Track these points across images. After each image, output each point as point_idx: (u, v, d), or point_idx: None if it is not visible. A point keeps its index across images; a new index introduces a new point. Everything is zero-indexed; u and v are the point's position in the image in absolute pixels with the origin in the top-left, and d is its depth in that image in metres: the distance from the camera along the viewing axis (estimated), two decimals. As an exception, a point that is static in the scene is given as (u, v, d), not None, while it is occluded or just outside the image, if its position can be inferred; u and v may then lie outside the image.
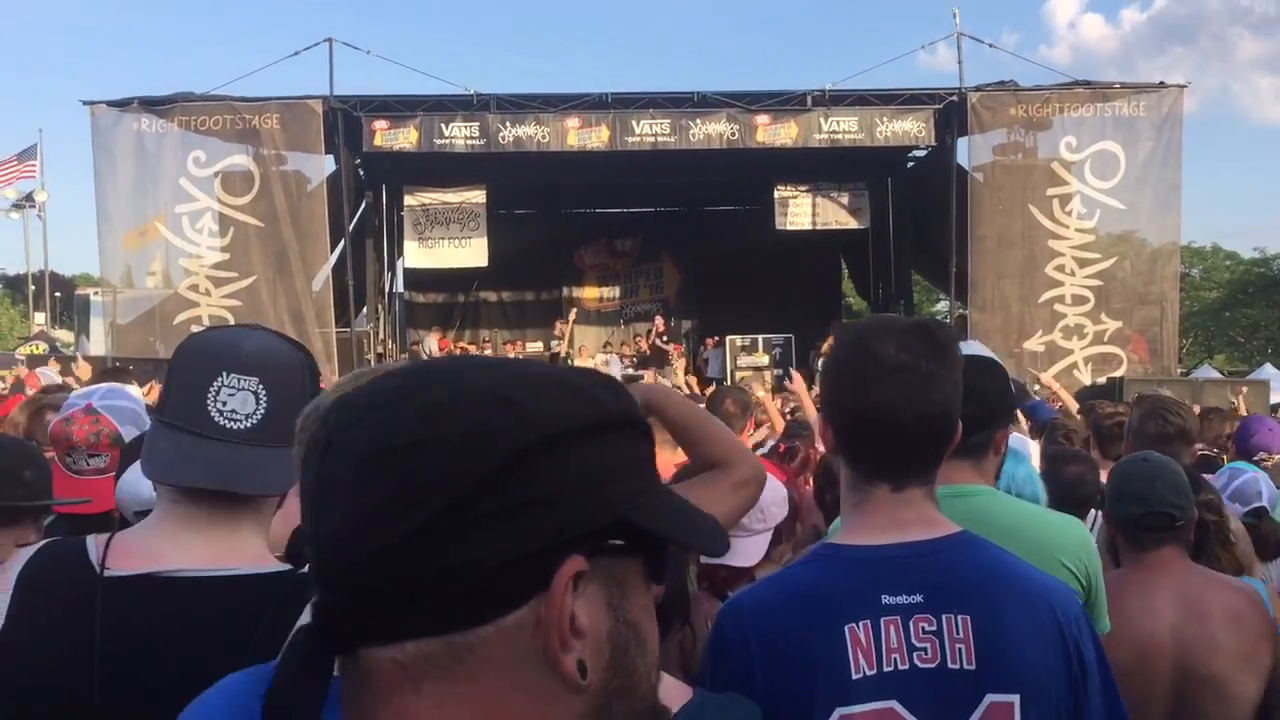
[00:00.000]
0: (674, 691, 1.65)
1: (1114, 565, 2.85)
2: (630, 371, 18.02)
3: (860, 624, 1.62)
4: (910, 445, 1.71)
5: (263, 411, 1.57)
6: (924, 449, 1.73)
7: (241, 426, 1.55)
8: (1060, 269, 16.90)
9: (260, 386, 1.57)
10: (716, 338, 20.29)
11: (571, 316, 20.90)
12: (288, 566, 1.62)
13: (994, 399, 2.35)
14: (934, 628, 1.64)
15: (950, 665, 1.63)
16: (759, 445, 5.34)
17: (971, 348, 2.71)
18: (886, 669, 1.62)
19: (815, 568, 1.73)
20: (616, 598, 0.76)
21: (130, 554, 1.56)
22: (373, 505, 0.71)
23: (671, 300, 23.33)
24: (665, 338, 19.90)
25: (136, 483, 2.37)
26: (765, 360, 19.35)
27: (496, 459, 0.71)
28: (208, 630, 1.42)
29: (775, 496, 2.91)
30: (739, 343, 19.74)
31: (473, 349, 20.66)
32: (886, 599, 1.64)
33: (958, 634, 1.64)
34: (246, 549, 1.59)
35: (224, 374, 1.56)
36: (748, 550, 2.86)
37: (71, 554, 1.57)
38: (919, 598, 1.65)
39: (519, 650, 0.71)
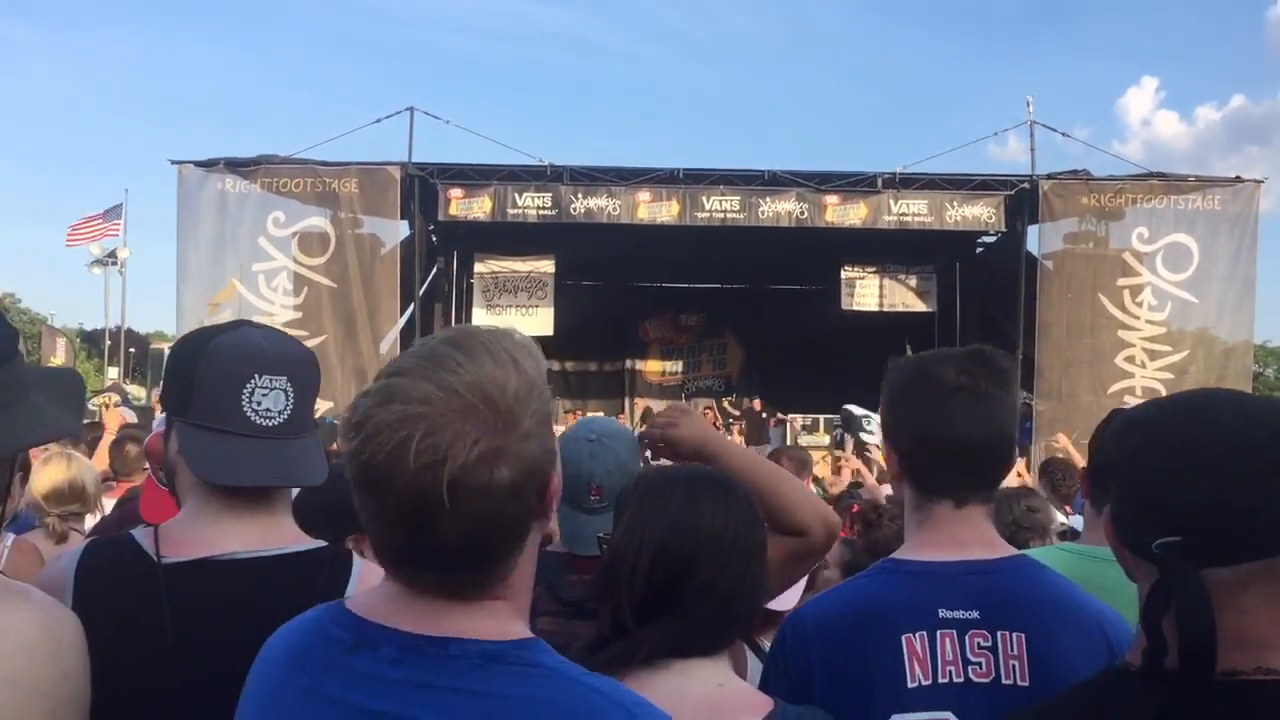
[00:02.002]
0: (754, 701, 1.67)
1: None
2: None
3: (917, 635, 1.67)
4: (970, 461, 1.78)
5: (291, 407, 1.67)
6: (983, 466, 1.80)
7: (276, 423, 1.66)
8: (1130, 360, 16.65)
9: (289, 384, 1.67)
10: (778, 416, 20.21)
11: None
12: (325, 543, 1.73)
13: None
14: (989, 643, 1.68)
15: (1004, 681, 1.67)
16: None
17: None
18: (941, 680, 1.66)
19: (876, 581, 1.79)
20: None
21: (181, 542, 1.65)
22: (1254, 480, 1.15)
23: (734, 377, 23.34)
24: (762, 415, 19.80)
25: None
26: (826, 441, 19.20)
27: None
28: (265, 607, 1.49)
29: None
30: (800, 422, 19.63)
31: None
32: (944, 613, 1.69)
33: (1012, 651, 1.68)
34: (285, 530, 1.70)
35: (257, 375, 1.66)
36: (783, 596, 2.87)
37: (125, 546, 1.66)
38: (975, 613, 1.70)
39: None
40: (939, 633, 1.67)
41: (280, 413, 1.66)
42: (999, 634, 1.69)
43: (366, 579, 1.65)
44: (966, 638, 1.68)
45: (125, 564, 1.63)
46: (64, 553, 1.77)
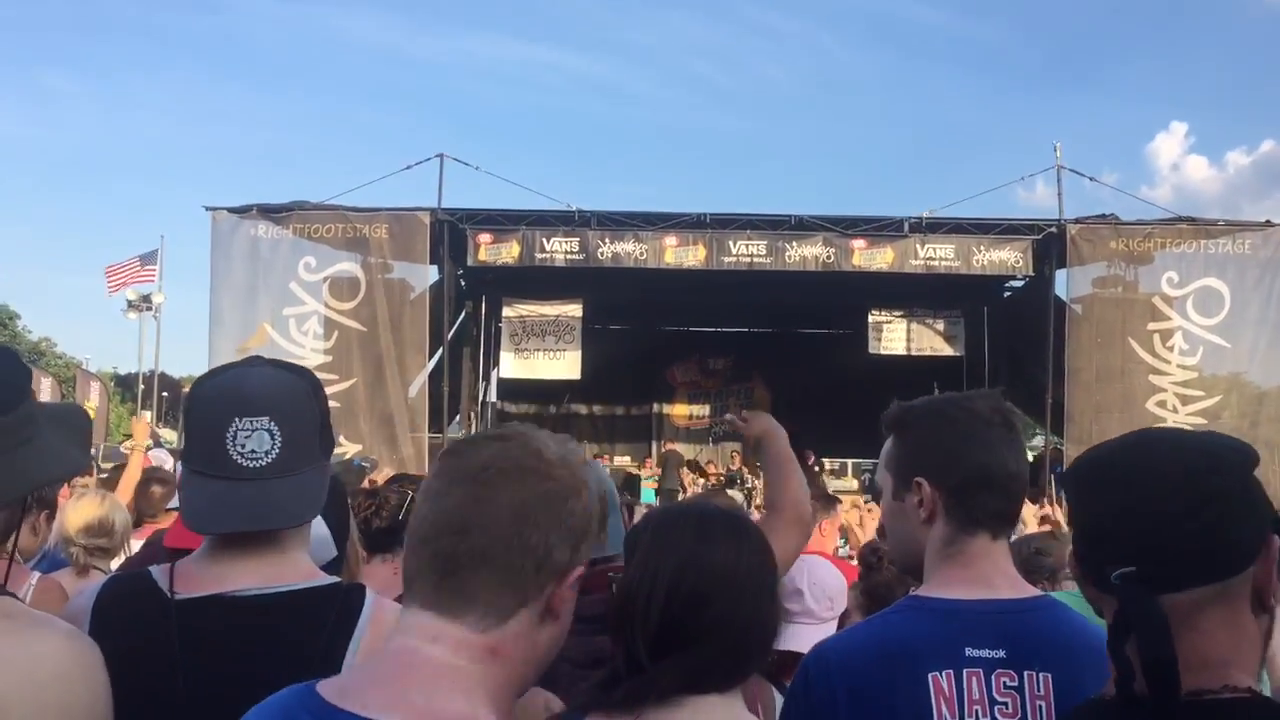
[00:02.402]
0: None
1: None
2: (714, 486, 17.92)
3: (944, 673, 1.66)
4: (1011, 492, 1.83)
5: (279, 445, 1.67)
6: (1017, 499, 1.85)
7: (263, 464, 1.66)
8: (1162, 405, 16.50)
9: (272, 423, 1.67)
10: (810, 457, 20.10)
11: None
12: (336, 579, 1.74)
13: None
14: (1015, 683, 1.68)
15: None
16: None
17: None
18: (968, 719, 1.64)
19: (902, 617, 1.78)
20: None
21: (194, 579, 1.67)
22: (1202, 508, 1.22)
23: (761, 421, 23.26)
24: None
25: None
26: (855, 485, 19.12)
27: (1241, 481, 1.26)
28: (276, 642, 1.54)
29: (841, 586, 2.98)
30: (828, 467, 19.55)
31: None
32: (970, 651, 1.68)
33: (1039, 691, 1.68)
34: (297, 567, 1.70)
35: (236, 419, 1.66)
36: (816, 638, 2.87)
37: (140, 582, 1.69)
38: (1002, 653, 1.69)
39: (1244, 590, 1.23)
40: (965, 671, 1.67)
41: (266, 453, 1.66)
42: (1025, 674, 1.68)
43: (378, 617, 1.66)
44: (993, 677, 1.67)
45: (140, 599, 1.66)
46: (85, 588, 1.80)
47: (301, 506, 1.70)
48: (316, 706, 1.19)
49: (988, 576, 1.79)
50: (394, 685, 1.17)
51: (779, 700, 2.91)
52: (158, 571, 1.70)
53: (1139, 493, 1.25)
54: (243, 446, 1.66)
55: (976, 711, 1.65)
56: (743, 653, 1.75)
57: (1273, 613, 1.27)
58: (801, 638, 2.91)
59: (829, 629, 2.94)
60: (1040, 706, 1.67)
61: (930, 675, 1.66)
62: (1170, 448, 1.30)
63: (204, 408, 1.71)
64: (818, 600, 2.94)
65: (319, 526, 2.44)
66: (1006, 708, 1.66)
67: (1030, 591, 1.80)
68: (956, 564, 1.79)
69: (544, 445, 1.25)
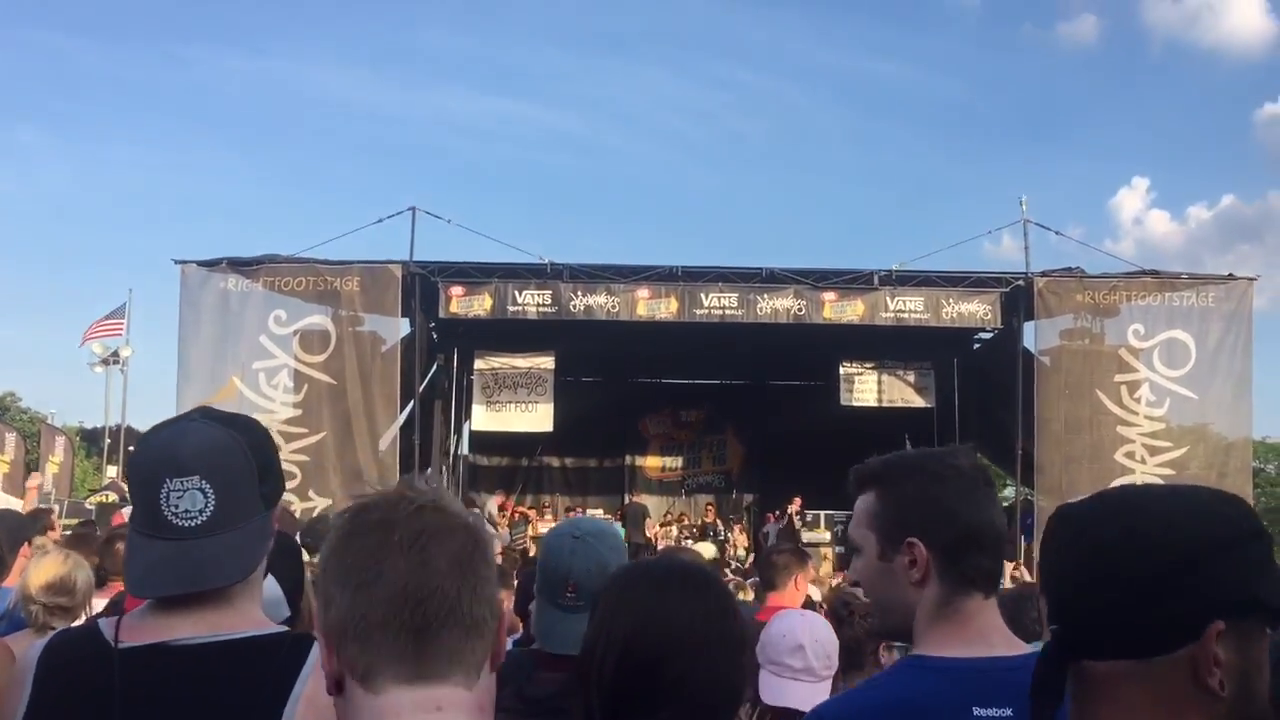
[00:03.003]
0: None
1: None
2: (687, 544, 17.84)
3: None
4: (999, 553, 1.84)
5: (213, 503, 1.69)
6: (1002, 559, 1.86)
7: (197, 523, 1.68)
8: (1130, 455, 16.62)
9: (203, 482, 1.69)
10: (778, 512, 20.10)
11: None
12: (284, 628, 1.77)
13: None
14: None
15: None
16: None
17: None
18: None
19: (905, 678, 1.74)
20: (1244, 646, 1.17)
21: (139, 630, 1.69)
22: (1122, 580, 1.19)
23: (734, 473, 23.26)
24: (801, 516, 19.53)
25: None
26: (827, 536, 19.08)
27: (1185, 558, 1.18)
28: (216, 690, 1.57)
29: (837, 645, 2.95)
30: (801, 518, 19.51)
31: (533, 513, 20.69)
32: (978, 711, 1.65)
33: None
34: (243, 617, 1.72)
35: (168, 479, 1.69)
36: (814, 697, 2.85)
37: (86, 634, 1.73)
38: (1009, 712, 1.66)
39: (1180, 672, 1.16)
40: None
41: (200, 512, 1.67)
42: None
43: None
44: None
45: (85, 648, 1.68)
46: (34, 643, 1.80)
47: (239, 563, 1.71)
48: None
49: (985, 635, 1.77)
50: None
51: None
52: (105, 623, 1.72)
53: (1074, 553, 1.26)
54: (176, 506, 1.68)
55: None
56: (707, 712, 1.72)
57: (1233, 700, 1.16)
58: (801, 695, 2.88)
59: (825, 687, 2.91)
60: None
61: None
62: (1124, 512, 1.25)
63: (140, 469, 1.75)
64: (818, 658, 2.92)
65: (271, 587, 2.43)
66: None
67: (1025, 648, 1.78)
68: (953, 623, 1.76)
69: (444, 500, 1.24)
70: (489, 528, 17.71)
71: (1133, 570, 1.19)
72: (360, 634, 1.16)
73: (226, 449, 1.73)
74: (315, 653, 1.68)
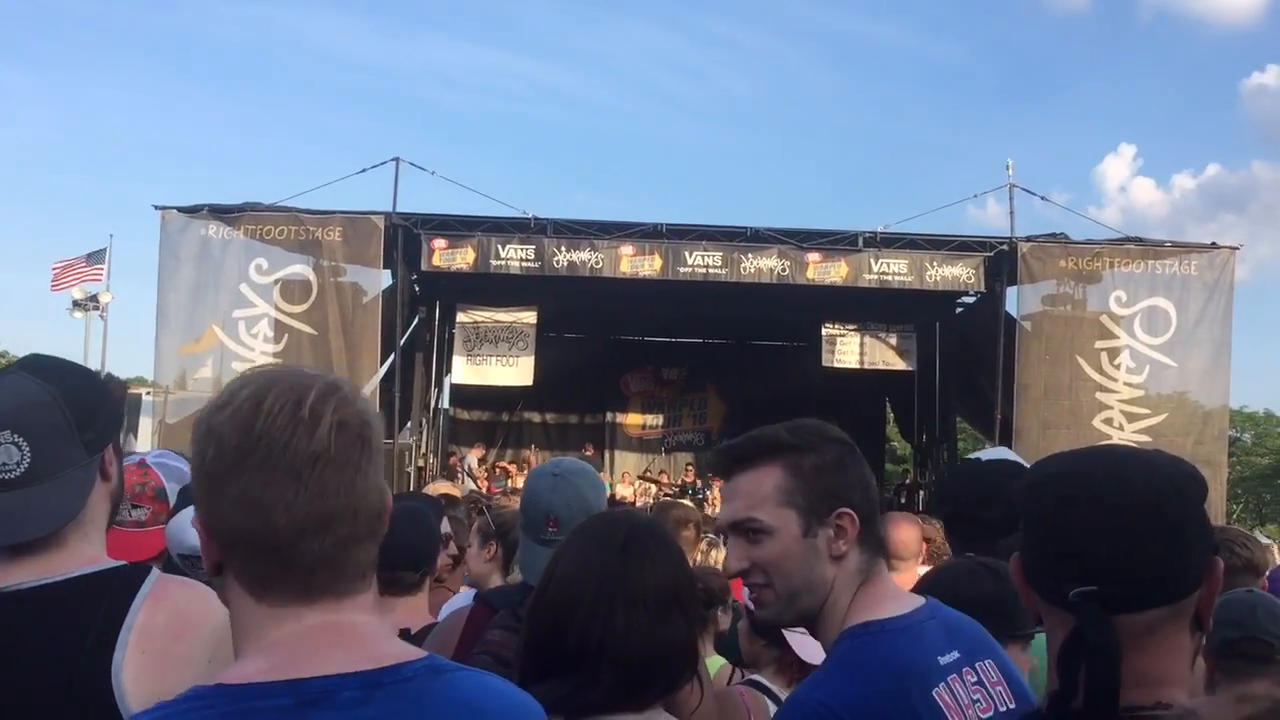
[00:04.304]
0: None
1: None
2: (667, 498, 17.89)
3: (940, 688, 1.65)
4: None
5: (29, 456, 1.73)
6: None
7: (12, 475, 1.72)
8: (1108, 422, 16.74)
9: (16, 435, 1.73)
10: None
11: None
12: (121, 563, 1.80)
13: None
14: (975, 678, 1.70)
15: (1000, 708, 1.70)
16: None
17: (999, 453, 2.78)
18: None
19: (874, 647, 1.68)
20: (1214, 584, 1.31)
21: None
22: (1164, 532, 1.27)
23: (714, 431, 23.31)
24: None
25: (183, 529, 2.65)
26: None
27: (1195, 507, 1.30)
28: (44, 630, 1.63)
29: None
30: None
31: (513, 468, 20.70)
32: (941, 659, 1.68)
33: (993, 678, 1.73)
34: (74, 557, 1.76)
35: None
36: (815, 647, 2.84)
37: None
38: (956, 654, 1.71)
39: (1188, 611, 1.28)
40: (949, 678, 1.66)
41: (18, 464, 1.73)
42: (977, 666, 1.71)
43: (157, 594, 1.72)
44: (963, 676, 1.68)
45: None
46: None
47: (59, 510, 1.76)
48: (271, 690, 1.13)
49: (898, 593, 1.79)
50: (346, 645, 1.18)
51: (772, 709, 2.88)
52: None
53: (1110, 513, 1.27)
54: None
55: (972, 715, 1.66)
56: (631, 676, 1.72)
57: (1207, 631, 1.34)
58: (800, 645, 2.83)
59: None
60: (1000, 692, 1.71)
61: (935, 693, 1.63)
62: (1140, 470, 1.31)
63: None
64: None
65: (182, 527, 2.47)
66: (981, 704, 1.68)
67: (918, 600, 1.80)
68: (875, 585, 1.75)
69: (344, 404, 1.22)
70: (469, 481, 17.72)
71: (1166, 523, 1.26)
72: (268, 551, 1.18)
73: (38, 402, 1.78)
74: (150, 582, 1.74)
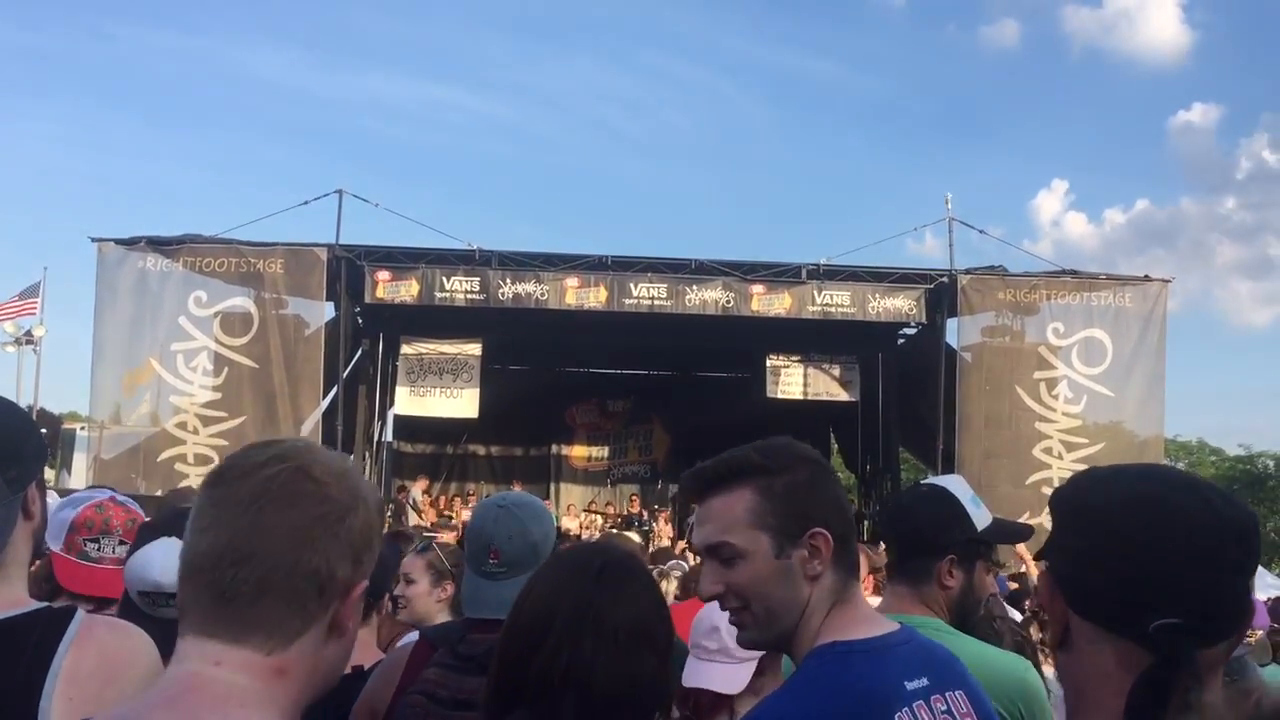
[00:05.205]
0: None
1: None
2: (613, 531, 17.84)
3: (903, 712, 1.63)
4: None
5: None
6: None
7: None
8: (1048, 451, 16.97)
9: None
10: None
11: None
12: (44, 604, 1.75)
13: (927, 529, 2.52)
14: (945, 707, 1.68)
15: None
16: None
17: (951, 483, 2.78)
18: None
19: (838, 667, 1.68)
20: None
21: None
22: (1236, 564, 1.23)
23: (660, 464, 23.29)
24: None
25: (145, 564, 2.58)
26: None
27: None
28: None
29: None
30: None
31: (457, 501, 20.53)
32: (909, 684, 1.66)
33: (963, 709, 1.71)
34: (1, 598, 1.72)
35: None
36: (733, 678, 2.83)
37: None
38: (925, 680, 1.69)
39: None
40: (914, 705, 1.64)
41: None
42: (948, 695, 1.69)
43: (84, 637, 1.67)
44: (931, 704, 1.66)
45: None
46: None
47: None
48: None
49: (872, 616, 1.78)
50: (185, 707, 1.15)
51: None
52: None
53: (1203, 543, 1.20)
54: None
55: None
56: (589, 710, 1.70)
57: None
58: (718, 676, 2.86)
59: (746, 669, 2.88)
60: None
61: (897, 716, 1.62)
62: (1222, 500, 1.25)
63: None
64: (734, 637, 2.88)
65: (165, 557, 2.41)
66: None
67: (895, 624, 1.80)
68: (848, 607, 1.74)
69: (314, 464, 1.24)
70: (414, 515, 17.54)
71: (1246, 556, 1.23)
72: (183, 576, 1.21)
73: None
74: (75, 625, 1.69)
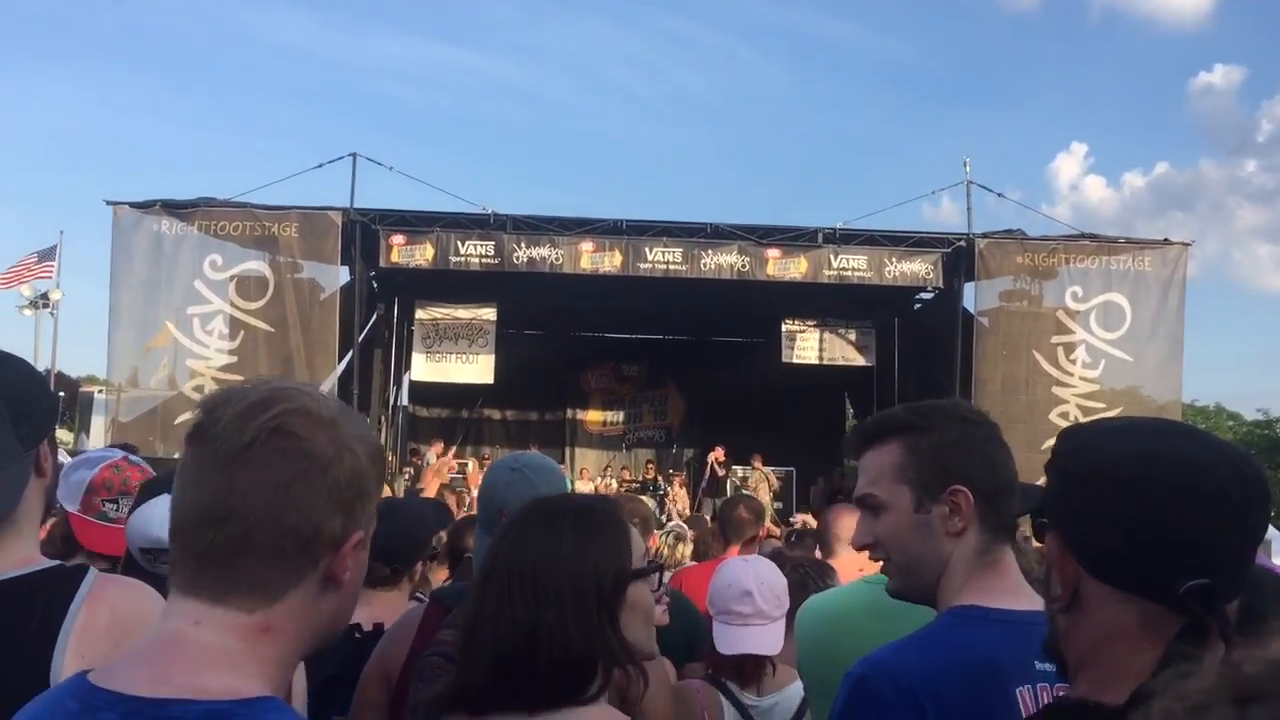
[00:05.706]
0: None
1: None
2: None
3: (1025, 689, 1.60)
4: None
5: None
6: None
7: None
8: (1064, 416, 16.87)
9: None
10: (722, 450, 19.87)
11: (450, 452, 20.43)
12: (55, 563, 1.75)
13: None
14: None
15: None
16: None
17: None
18: None
19: (965, 628, 1.67)
20: None
21: None
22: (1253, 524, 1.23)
23: (675, 428, 23.32)
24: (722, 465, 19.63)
25: (146, 522, 2.59)
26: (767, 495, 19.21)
27: None
28: None
29: (785, 583, 2.93)
30: (740, 473, 19.63)
31: (472, 463, 20.58)
32: (1039, 665, 1.59)
33: None
34: (8, 557, 1.71)
35: None
36: (772, 639, 2.84)
37: None
38: (1052, 666, 1.61)
39: None
40: (1039, 685, 1.60)
41: None
42: None
43: (98, 595, 1.67)
44: (1056, 691, 1.59)
45: None
46: None
47: None
48: (83, 691, 1.16)
49: (1022, 586, 1.75)
50: (160, 664, 1.15)
51: (727, 706, 2.86)
52: None
53: (1231, 505, 1.19)
54: None
55: None
56: (527, 671, 1.62)
57: None
58: (755, 639, 2.85)
59: (780, 627, 2.88)
60: None
61: (1018, 691, 1.59)
62: (1243, 460, 1.23)
63: None
64: (766, 600, 2.87)
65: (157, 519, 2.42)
66: None
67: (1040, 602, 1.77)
68: (994, 573, 1.72)
69: (296, 415, 1.21)
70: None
71: (1264, 516, 1.23)
72: (171, 533, 1.21)
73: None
74: (88, 583, 1.70)
